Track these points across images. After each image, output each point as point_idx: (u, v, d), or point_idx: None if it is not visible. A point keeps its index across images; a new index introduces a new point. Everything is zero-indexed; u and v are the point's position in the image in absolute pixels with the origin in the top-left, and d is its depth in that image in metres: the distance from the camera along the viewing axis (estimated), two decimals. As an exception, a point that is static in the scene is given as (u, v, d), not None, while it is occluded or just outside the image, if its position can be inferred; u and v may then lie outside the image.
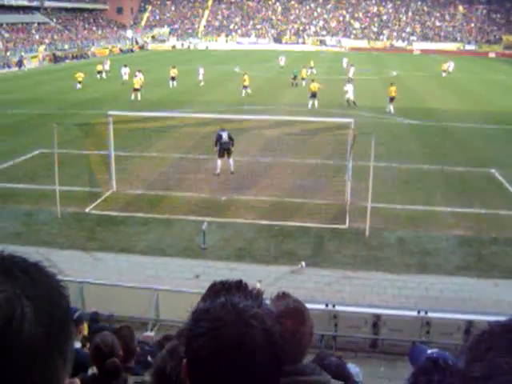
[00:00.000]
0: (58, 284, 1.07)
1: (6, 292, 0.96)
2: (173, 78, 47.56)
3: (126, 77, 48.66)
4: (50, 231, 17.35)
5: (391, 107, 36.08)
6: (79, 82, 47.70)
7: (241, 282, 1.62)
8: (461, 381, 1.18)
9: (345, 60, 63.97)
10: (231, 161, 22.18)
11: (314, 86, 37.82)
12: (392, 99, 36.25)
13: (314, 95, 37.64)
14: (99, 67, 53.48)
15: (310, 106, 37.15)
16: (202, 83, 47.60)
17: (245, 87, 43.51)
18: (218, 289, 1.59)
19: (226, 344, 1.44)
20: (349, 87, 38.78)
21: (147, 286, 12.95)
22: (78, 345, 5.73)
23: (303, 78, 47.71)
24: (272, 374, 1.50)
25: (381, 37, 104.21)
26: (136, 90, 41.17)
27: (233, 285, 1.60)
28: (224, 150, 21.94)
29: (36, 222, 18.03)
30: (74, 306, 7.18)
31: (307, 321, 2.84)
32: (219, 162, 22.08)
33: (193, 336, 1.49)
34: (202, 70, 48.25)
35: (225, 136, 21.85)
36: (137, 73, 42.89)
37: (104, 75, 54.12)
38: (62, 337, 1.01)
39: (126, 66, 49.87)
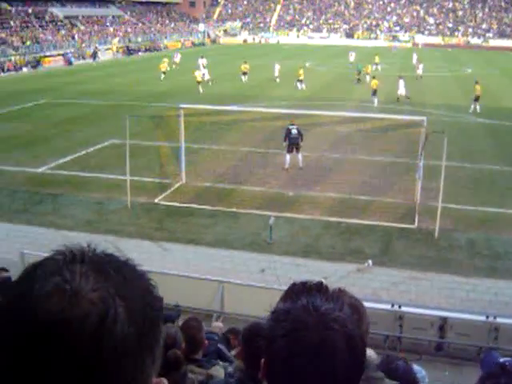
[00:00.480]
0: (149, 283, 1.07)
1: (101, 291, 0.96)
2: (244, 73, 47.64)
3: (202, 69, 49.38)
4: (120, 220, 17.72)
5: (477, 106, 34.90)
6: (163, 73, 49.00)
7: (321, 283, 1.59)
8: None
9: (414, 56, 62.82)
10: (300, 156, 22.11)
11: (375, 83, 37.42)
12: (477, 98, 34.96)
13: (374, 93, 37.23)
14: (163, 66, 52.62)
15: (375, 103, 36.70)
16: (278, 80, 47.37)
17: (300, 81, 43.85)
18: (299, 290, 1.57)
19: (307, 347, 1.43)
20: (401, 83, 38.16)
21: (213, 278, 13.05)
22: None
23: (367, 74, 47.06)
24: (352, 378, 1.48)
25: (456, 33, 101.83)
26: (199, 82, 41.85)
27: (313, 286, 1.57)
28: (293, 145, 21.91)
29: (106, 211, 18.45)
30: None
31: (363, 318, 2.80)
32: (288, 157, 22.06)
33: (273, 336, 1.49)
34: (277, 66, 48.13)
35: (294, 131, 21.83)
36: (201, 66, 43.35)
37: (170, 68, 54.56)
38: (152, 336, 1.02)
39: (202, 57, 50.26)
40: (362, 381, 2.75)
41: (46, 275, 0.98)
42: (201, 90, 41.24)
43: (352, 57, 60.61)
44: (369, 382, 2.73)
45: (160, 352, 1.06)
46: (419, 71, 49.21)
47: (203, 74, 44.02)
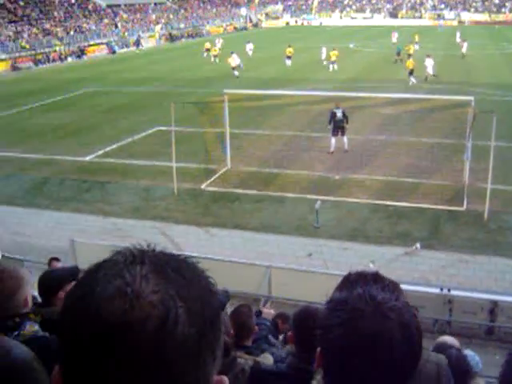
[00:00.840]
0: (209, 282, 1.07)
1: (161, 293, 0.97)
2: (289, 57, 46.94)
3: (250, 53, 49.31)
4: (167, 206, 17.89)
5: None
6: (215, 56, 50.14)
7: (377, 273, 1.59)
8: None
9: (458, 35, 61.56)
10: (345, 139, 21.97)
11: (411, 63, 36.97)
12: None
13: (410, 72, 36.72)
14: (207, 45, 53.64)
15: (412, 82, 36.21)
16: (325, 62, 46.70)
17: (332, 62, 43.94)
18: (355, 279, 1.57)
19: (363, 336, 1.43)
20: (428, 62, 37.53)
21: (260, 263, 13.09)
22: None
23: (410, 55, 45.63)
24: (407, 367, 1.47)
25: (503, 9, 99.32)
26: (233, 68, 41.95)
27: (369, 276, 1.57)
28: (338, 128, 21.76)
29: (153, 198, 18.65)
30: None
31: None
32: (333, 140, 21.94)
33: (329, 325, 1.49)
34: (324, 49, 47.47)
35: (339, 114, 21.67)
36: (233, 55, 43.03)
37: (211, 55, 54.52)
38: (212, 336, 1.02)
39: (249, 42, 50.06)
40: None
41: (108, 278, 0.99)
42: (236, 73, 41.19)
43: (395, 37, 59.68)
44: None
45: (221, 351, 1.06)
46: (463, 50, 48.20)
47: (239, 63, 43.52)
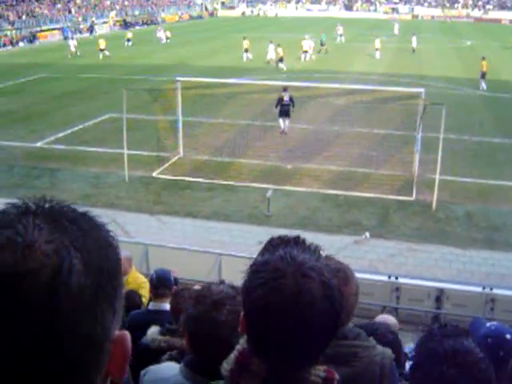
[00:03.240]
0: (108, 235, 1.05)
1: (55, 243, 0.94)
2: (246, 50, 45.16)
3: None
4: (118, 194, 17.73)
5: (483, 84, 33.50)
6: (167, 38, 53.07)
7: (299, 237, 1.63)
8: None
9: (396, 26, 62.37)
10: (287, 122, 22.82)
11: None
12: (484, 75, 33.47)
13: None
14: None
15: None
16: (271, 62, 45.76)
17: (245, 51, 44.75)
18: (277, 243, 1.61)
19: (285, 295, 1.46)
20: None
21: (211, 251, 13.08)
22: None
23: (377, 50, 45.67)
24: (329, 326, 1.51)
25: (455, 5, 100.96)
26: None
27: (291, 239, 1.62)
28: (284, 111, 22.57)
29: (104, 185, 18.45)
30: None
31: (351, 281, 2.81)
32: (280, 120, 22.92)
33: (251, 287, 1.52)
34: (271, 47, 45.49)
35: (286, 97, 22.36)
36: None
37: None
38: (110, 288, 1.00)
39: (244, 38, 48.07)
40: (355, 347, 2.77)
41: None
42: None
43: (340, 31, 59.15)
44: (362, 349, 2.74)
45: (121, 305, 1.04)
46: (413, 44, 48.76)
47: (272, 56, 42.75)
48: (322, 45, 48.31)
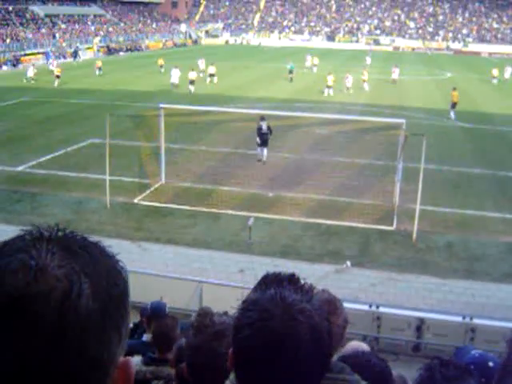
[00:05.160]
0: (117, 263, 1.10)
1: (66, 268, 0.99)
2: (211, 75, 47.07)
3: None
4: (99, 220, 17.63)
5: (452, 113, 34.36)
6: (161, 66, 51.85)
7: (293, 275, 1.63)
8: (502, 373, 1.21)
9: (368, 58, 63.48)
10: (265, 151, 22.86)
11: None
12: (454, 105, 34.44)
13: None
14: (98, 63, 53.02)
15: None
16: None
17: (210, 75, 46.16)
18: (270, 280, 1.60)
19: (271, 337, 1.46)
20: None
21: (192, 278, 13.04)
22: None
23: (364, 81, 45.66)
24: (315, 370, 1.51)
25: (436, 37, 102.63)
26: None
27: (285, 277, 1.61)
28: (263, 140, 22.76)
29: (85, 211, 18.35)
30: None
31: (338, 311, 2.80)
32: (259, 150, 23.10)
33: (240, 325, 1.52)
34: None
35: (264, 126, 22.56)
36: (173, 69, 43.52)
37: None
38: (117, 314, 1.04)
39: (212, 63, 48.77)
40: (339, 381, 2.77)
41: (12, 252, 1.00)
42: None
43: (308, 61, 59.69)
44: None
45: (127, 331, 1.09)
46: (395, 76, 49.32)
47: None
48: (290, 73, 49.17)
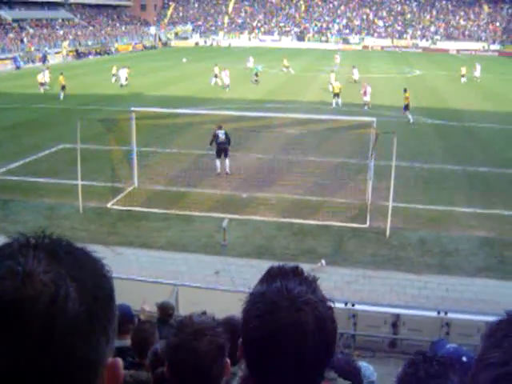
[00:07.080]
0: (102, 267, 1.14)
1: (52, 273, 1.02)
2: (216, 76, 47.07)
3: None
4: (72, 225, 17.47)
5: (409, 116, 32.83)
6: (114, 75, 48.82)
7: (297, 267, 1.68)
8: (476, 367, 1.23)
9: (338, 57, 64.05)
10: (227, 161, 21.80)
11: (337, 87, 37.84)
12: (407, 106, 32.93)
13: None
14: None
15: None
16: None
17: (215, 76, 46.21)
18: (275, 273, 1.66)
19: (279, 328, 1.53)
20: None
21: (167, 281, 12.99)
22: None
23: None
24: (321, 357, 1.58)
25: (404, 35, 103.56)
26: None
27: (289, 270, 1.66)
28: (221, 149, 21.61)
29: (58, 216, 18.19)
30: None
31: None
32: (217, 161, 21.86)
33: (249, 317, 1.59)
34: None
35: (221, 135, 21.44)
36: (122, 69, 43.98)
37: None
38: (104, 317, 1.08)
39: (215, 66, 48.15)
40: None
41: (0, 259, 1.04)
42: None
43: (250, 62, 59.02)
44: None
45: (114, 333, 1.13)
46: (354, 76, 49.26)
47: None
48: (256, 75, 49.16)
